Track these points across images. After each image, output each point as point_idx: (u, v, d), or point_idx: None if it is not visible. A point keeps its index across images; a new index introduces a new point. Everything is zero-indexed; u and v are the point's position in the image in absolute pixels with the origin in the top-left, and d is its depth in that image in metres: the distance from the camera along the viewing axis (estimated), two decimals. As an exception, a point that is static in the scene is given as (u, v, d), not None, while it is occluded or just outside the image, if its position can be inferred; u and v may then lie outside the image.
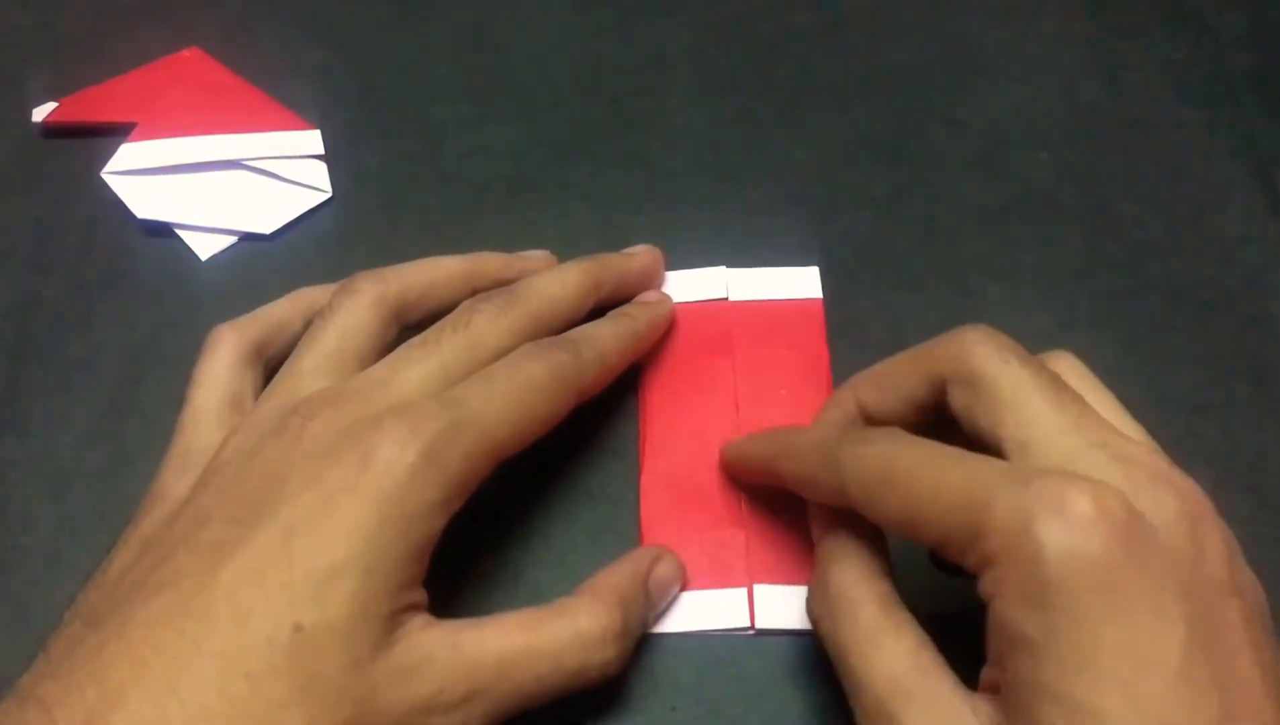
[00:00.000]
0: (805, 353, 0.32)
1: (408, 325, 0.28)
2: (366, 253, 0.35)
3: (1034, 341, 0.25)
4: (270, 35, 0.40)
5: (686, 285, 0.33)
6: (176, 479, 0.26)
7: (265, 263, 0.35)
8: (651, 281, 0.33)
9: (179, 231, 0.36)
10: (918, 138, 0.38)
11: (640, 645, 0.27)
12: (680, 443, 0.30)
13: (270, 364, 0.29)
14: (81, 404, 0.32)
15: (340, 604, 0.21)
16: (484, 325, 0.27)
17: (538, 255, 0.32)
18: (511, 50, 0.40)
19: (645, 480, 0.30)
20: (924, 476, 0.22)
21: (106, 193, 0.36)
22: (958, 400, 0.24)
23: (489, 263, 0.31)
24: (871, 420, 0.26)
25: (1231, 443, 0.32)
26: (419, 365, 0.26)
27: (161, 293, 0.34)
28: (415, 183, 0.37)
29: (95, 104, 0.38)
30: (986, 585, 0.20)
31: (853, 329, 0.33)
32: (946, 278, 0.35)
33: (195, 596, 0.21)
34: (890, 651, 0.22)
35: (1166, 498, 0.21)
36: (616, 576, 0.27)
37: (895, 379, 0.26)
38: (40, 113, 0.37)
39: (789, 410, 0.31)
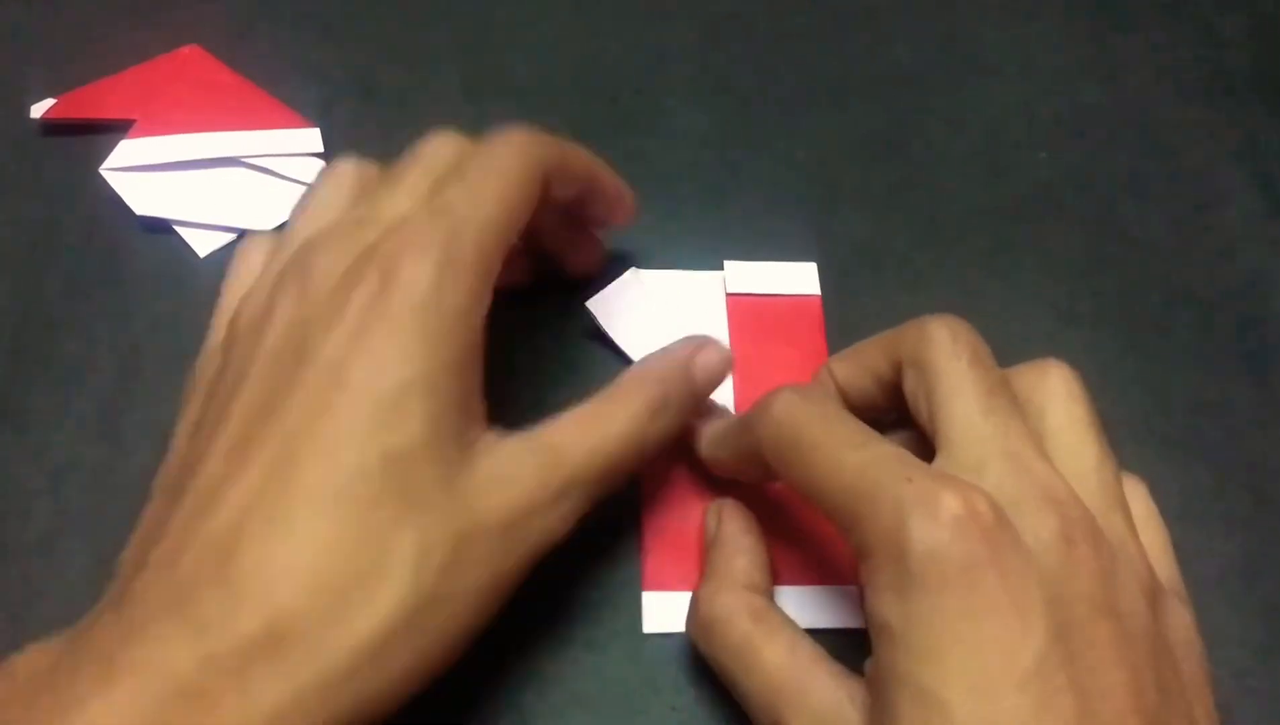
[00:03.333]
0: (804, 351, 0.32)
1: None
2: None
3: (1034, 341, 0.25)
4: (269, 35, 0.40)
5: (686, 287, 0.33)
6: (211, 359, 0.26)
7: (265, 261, 0.35)
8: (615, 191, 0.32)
9: (178, 228, 0.36)
10: (918, 137, 0.38)
11: (641, 645, 0.27)
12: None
13: None
14: (80, 400, 0.32)
15: (415, 424, 0.22)
16: (440, 142, 0.27)
17: None
18: (511, 50, 0.40)
19: (645, 481, 0.30)
20: (826, 454, 0.23)
21: (105, 189, 0.36)
22: (908, 384, 0.25)
23: None
24: (846, 397, 0.27)
25: (1231, 443, 0.32)
26: (394, 189, 0.26)
27: (160, 289, 0.34)
28: (415, 182, 0.37)
29: (93, 100, 0.38)
30: (862, 574, 0.21)
31: (852, 329, 0.33)
32: (946, 277, 0.35)
33: (267, 446, 0.22)
34: (766, 659, 0.24)
35: (1049, 517, 0.21)
36: (656, 361, 0.28)
37: (866, 358, 0.27)
38: (39, 109, 0.37)
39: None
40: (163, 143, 0.36)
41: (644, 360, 0.28)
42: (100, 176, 0.36)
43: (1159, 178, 0.37)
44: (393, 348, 0.22)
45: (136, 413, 0.32)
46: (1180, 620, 0.23)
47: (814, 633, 0.28)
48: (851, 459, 0.22)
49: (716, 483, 0.30)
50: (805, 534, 0.29)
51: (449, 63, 0.40)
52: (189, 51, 0.39)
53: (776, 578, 0.28)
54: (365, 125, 0.38)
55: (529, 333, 0.33)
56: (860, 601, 0.22)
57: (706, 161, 0.37)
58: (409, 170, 0.27)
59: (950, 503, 0.20)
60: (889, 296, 0.34)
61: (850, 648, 0.28)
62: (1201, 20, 0.41)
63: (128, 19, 0.41)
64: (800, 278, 0.34)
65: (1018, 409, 0.23)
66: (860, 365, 0.27)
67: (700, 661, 0.27)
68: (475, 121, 0.38)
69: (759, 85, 0.39)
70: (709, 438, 0.29)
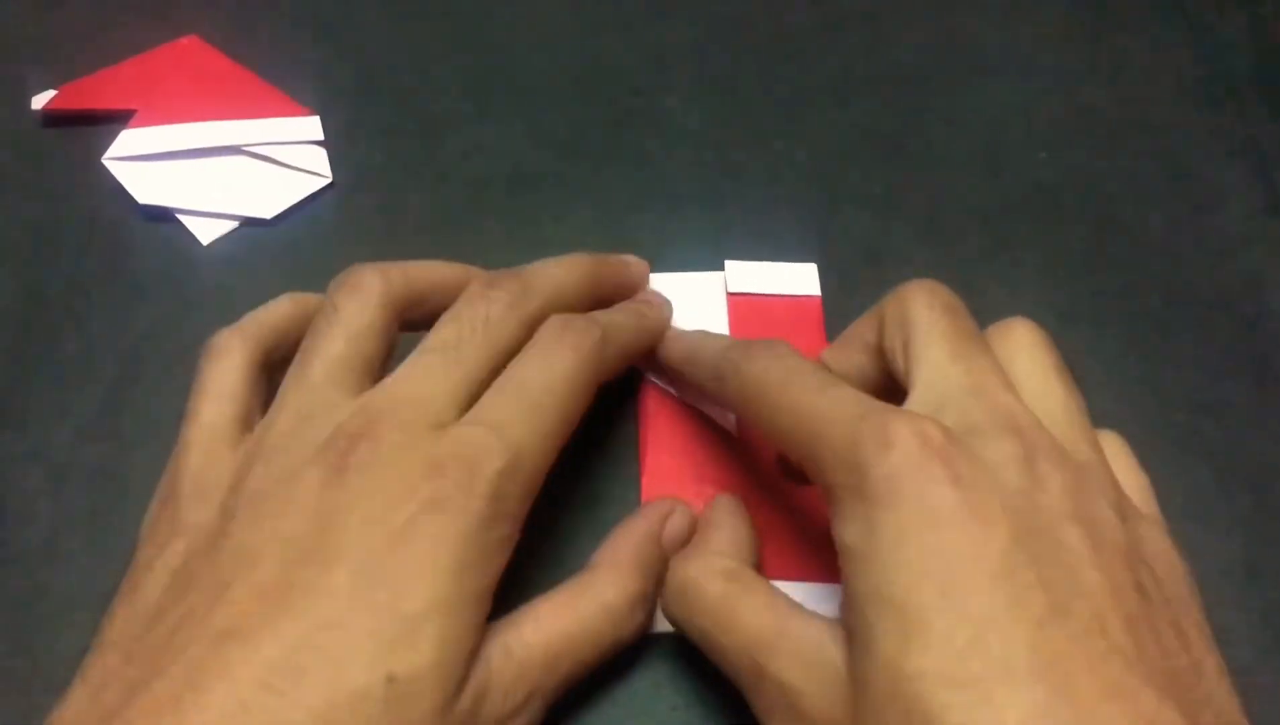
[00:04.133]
0: (804, 351, 0.32)
1: (409, 324, 0.28)
2: (367, 240, 0.35)
3: (1034, 340, 0.25)
4: (269, 29, 0.40)
5: (686, 288, 0.33)
6: (194, 506, 0.24)
7: (266, 247, 0.35)
8: (643, 289, 0.32)
9: (180, 217, 0.36)
10: (918, 137, 0.38)
11: (642, 645, 0.27)
12: (680, 441, 0.30)
13: (274, 371, 0.28)
14: (80, 400, 0.32)
15: (430, 648, 0.21)
16: (500, 322, 0.26)
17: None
18: (511, 49, 0.40)
19: (646, 480, 0.30)
20: (790, 401, 0.23)
21: (107, 179, 0.36)
22: (886, 341, 0.25)
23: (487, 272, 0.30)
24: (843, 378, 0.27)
25: (1231, 443, 0.32)
26: (444, 376, 0.24)
27: (163, 277, 0.34)
28: (415, 179, 0.37)
29: (94, 91, 0.38)
30: (830, 514, 0.22)
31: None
32: (946, 277, 0.35)
33: (273, 645, 0.20)
34: (743, 616, 0.24)
35: (1008, 441, 0.22)
36: (632, 540, 0.27)
37: (854, 334, 0.27)
38: (40, 100, 0.37)
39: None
40: (164, 132, 0.36)
41: (616, 536, 0.27)
42: (102, 166, 0.36)
43: (1159, 178, 0.37)
44: (429, 569, 0.22)
45: (136, 413, 0.32)
46: (1158, 542, 0.23)
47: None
48: (812, 405, 0.23)
49: (717, 483, 0.30)
50: (799, 529, 0.29)
51: (449, 62, 0.40)
52: (188, 42, 0.39)
53: (771, 573, 0.28)
54: (365, 121, 0.38)
55: (529, 332, 0.33)
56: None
57: (706, 161, 0.37)
58: (458, 352, 0.25)
59: (901, 430, 0.21)
60: (889, 296, 0.34)
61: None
62: (1201, 20, 0.41)
63: (127, 11, 0.41)
64: (800, 278, 0.34)
65: (988, 353, 0.24)
66: (849, 343, 0.27)
67: (702, 661, 0.27)
68: (475, 119, 0.38)
69: (759, 85, 0.39)
70: (679, 352, 0.30)
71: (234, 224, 0.36)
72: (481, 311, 0.26)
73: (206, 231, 0.35)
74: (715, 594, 0.24)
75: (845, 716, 0.21)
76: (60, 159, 0.37)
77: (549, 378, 0.25)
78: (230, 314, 0.33)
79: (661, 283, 0.33)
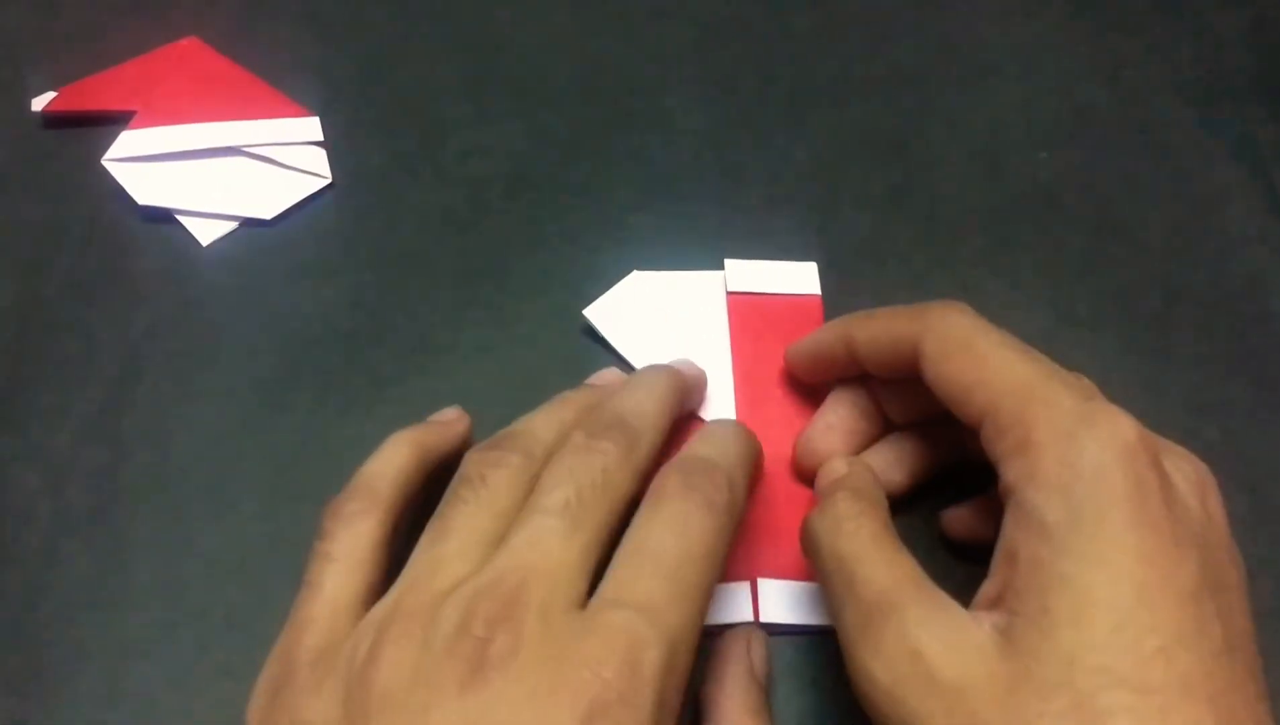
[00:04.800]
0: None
1: None
2: (367, 240, 0.35)
3: (1033, 341, 0.25)
4: (269, 31, 0.41)
5: (686, 287, 0.33)
6: (315, 699, 0.22)
7: (266, 248, 0.35)
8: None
9: (180, 218, 0.36)
10: (918, 137, 0.38)
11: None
12: (680, 439, 0.30)
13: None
14: (80, 400, 0.32)
15: None
16: (617, 478, 0.24)
17: (608, 375, 0.31)
18: (511, 49, 0.40)
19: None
20: (996, 356, 0.24)
21: (107, 180, 0.36)
22: (934, 353, 0.25)
23: (595, 397, 0.29)
24: (857, 355, 0.28)
25: (1231, 443, 0.32)
26: (569, 543, 0.22)
27: (163, 278, 0.35)
28: (415, 179, 0.37)
29: (94, 92, 0.38)
30: (1016, 469, 0.22)
31: None
32: (946, 276, 0.35)
33: None
34: (893, 561, 0.24)
35: (1184, 463, 0.23)
36: (739, 685, 0.25)
37: (885, 323, 0.27)
38: (40, 102, 0.38)
39: (786, 406, 0.31)
40: (163, 133, 0.36)
41: (722, 681, 0.26)
42: (102, 168, 0.36)
43: (1159, 178, 0.37)
44: None
45: (137, 413, 0.32)
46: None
47: (807, 629, 0.28)
48: (1025, 364, 0.23)
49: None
50: (792, 529, 0.29)
51: (449, 61, 0.40)
52: (188, 43, 0.39)
53: (771, 573, 0.28)
54: (365, 122, 0.38)
55: (529, 333, 0.33)
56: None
57: (706, 161, 0.37)
58: (580, 512, 0.23)
59: (1129, 427, 0.22)
60: (889, 296, 0.34)
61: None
62: (1201, 20, 0.41)
63: (128, 13, 0.41)
64: (801, 277, 0.34)
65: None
66: (879, 333, 0.27)
67: (702, 659, 0.27)
68: (476, 119, 0.38)
69: (759, 85, 0.39)
70: (799, 342, 0.30)
71: (234, 224, 0.36)
72: (597, 466, 0.24)
73: (206, 232, 0.35)
74: (872, 533, 0.24)
75: (987, 689, 0.21)
76: (60, 160, 0.37)
77: (686, 545, 0.23)
78: (230, 314, 0.34)
79: (662, 284, 0.34)
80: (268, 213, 0.36)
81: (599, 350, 0.33)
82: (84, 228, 0.36)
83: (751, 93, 0.39)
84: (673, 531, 0.23)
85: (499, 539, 0.23)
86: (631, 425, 0.25)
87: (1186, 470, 0.23)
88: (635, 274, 0.34)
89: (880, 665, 0.22)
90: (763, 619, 0.28)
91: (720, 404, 0.31)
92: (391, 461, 0.26)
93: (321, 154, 0.37)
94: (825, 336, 0.29)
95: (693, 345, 0.32)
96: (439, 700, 0.20)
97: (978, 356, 0.24)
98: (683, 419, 0.30)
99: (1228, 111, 0.39)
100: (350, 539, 0.24)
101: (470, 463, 0.25)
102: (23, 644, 0.28)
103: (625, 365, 0.32)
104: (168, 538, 0.30)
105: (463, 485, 0.24)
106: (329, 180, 0.37)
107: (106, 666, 0.28)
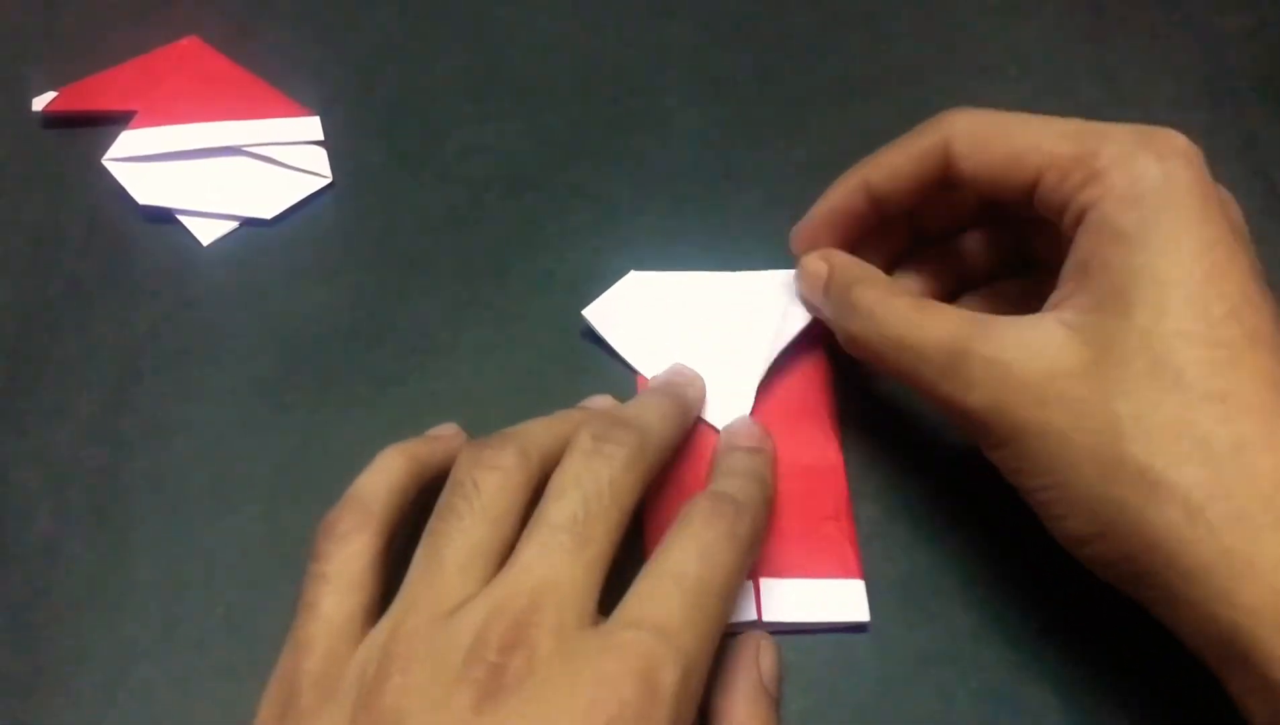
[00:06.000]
0: (803, 351, 0.32)
1: None
2: (367, 240, 0.35)
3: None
4: (269, 30, 0.41)
5: (685, 287, 0.33)
6: (319, 714, 0.22)
7: (267, 248, 0.35)
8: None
9: (180, 217, 0.36)
10: (918, 137, 0.38)
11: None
12: (687, 447, 0.30)
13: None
14: (80, 400, 0.32)
15: None
16: (623, 484, 0.24)
17: (601, 400, 0.31)
18: (511, 49, 0.40)
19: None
20: (1034, 123, 0.26)
21: (108, 180, 0.36)
22: (970, 144, 0.27)
23: (598, 406, 0.30)
24: (878, 196, 0.29)
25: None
26: (578, 558, 0.23)
27: (163, 278, 0.35)
28: (415, 179, 0.37)
29: (94, 92, 0.38)
30: (1087, 195, 0.25)
31: None
32: (946, 277, 0.35)
33: None
34: (938, 315, 0.26)
35: (1221, 188, 0.25)
36: (746, 695, 0.25)
37: (901, 152, 0.28)
38: (40, 102, 0.38)
39: (786, 407, 0.31)
40: (164, 133, 0.37)
41: (727, 690, 0.25)
42: (102, 167, 0.36)
43: (1159, 178, 0.37)
44: None
45: (137, 413, 0.32)
46: None
47: (809, 628, 0.28)
48: (1061, 123, 0.26)
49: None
50: (799, 530, 0.29)
51: (449, 61, 0.40)
52: (188, 43, 0.39)
53: (771, 573, 0.28)
54: (365, 122, 0.38)
55: (529, 333, 0.33)
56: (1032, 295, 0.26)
57: (706, 161, 0.37)
58: (588, 526, 0.23)
59: (1178, 141, 0.24)
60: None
61: (845, 647, 0.28)
62: (1201, 20, 0.41)
63: (128, 12, 0.41)
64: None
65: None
66: (906, 156, 0.28)
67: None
68: (475, 119, 0.38)
69: (759, 85, 0.39)
70: (807, 217, 0.31)
71: (234, 224, 0.36)
72: (604, 474, 0.24)
73: (206, 232, 0.35)
74: (906, 304, 0.27)
75: (1073, 374, 0.23)
76: (61, 160, 0.37)
77: (708, 572, 0.23)
78: (230, 314, 0.34)
79: (660, 284, 0.33)
80: (268, 212, 0.36)
81: (598, 350, 0.33)
82: (84, 228, 0.36)
83: (751, 93, 0.39)
84: (695, 557, 0.23)
85: (498, 548, 0.23)
86: (637, 429, 0.25)
87: (1221, 191, 0.25)
88: (633, 274, 0.34)
89: (974, 396, 0.25)
90: (765, 618, 0.28)
91: (731, 404, 0.31)
92: (385, 476, 0.26)
93: (321, 154, 0.37)
94: (838, 192, 0.30)
95: (692, 345, 0.32)
96: (453, 723, 0.20)
97: (1016, 130, 0.26)
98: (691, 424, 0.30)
99: (1228, 112, 0.39)
100: (344, 558, 0.24)
101: (461, 466, 0.25)
102: (23, 644, 0.28)
103: (624, 365, 0.32)
104: (168, 538, 0.30)
105: (455, 494, 0.24)
106: (329, 180, 0.37)
107: (106, 666, 0.28)
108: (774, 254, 0.34)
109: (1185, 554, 0.21)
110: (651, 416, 0.27)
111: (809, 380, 0.32)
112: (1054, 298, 0.25)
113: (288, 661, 0.23)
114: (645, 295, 0.33)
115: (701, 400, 0.31)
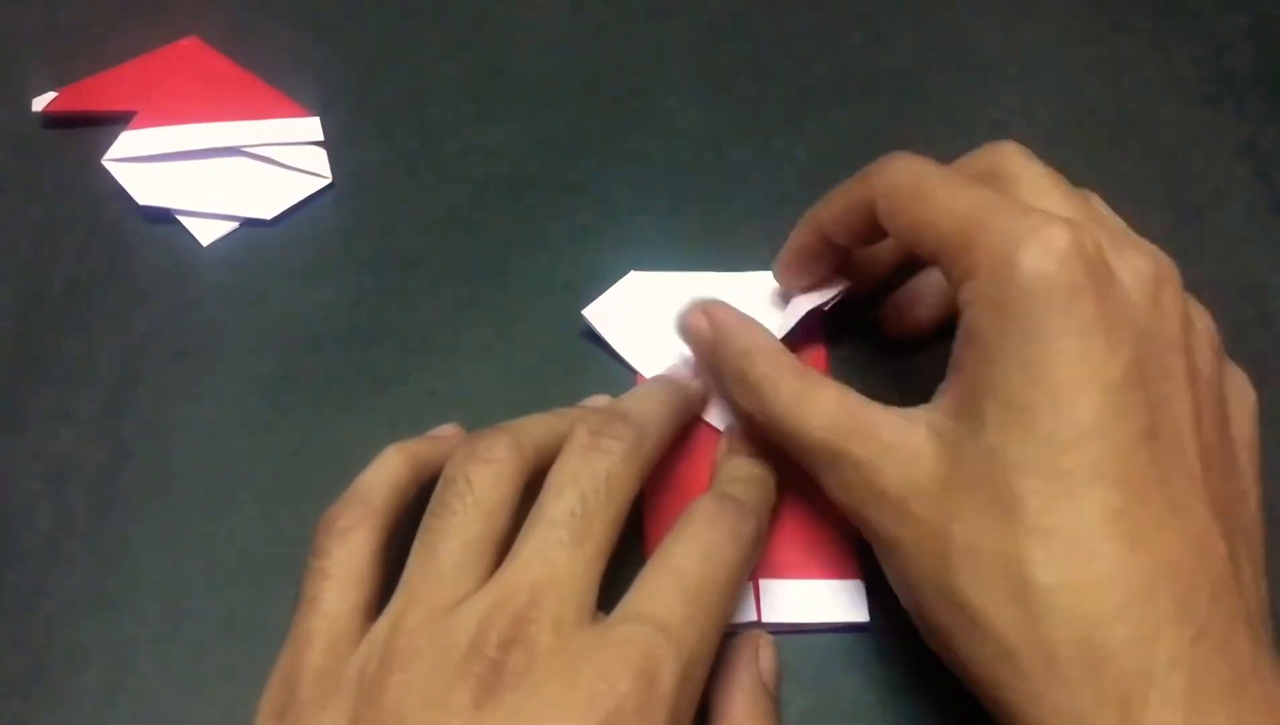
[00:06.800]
0: (803, 351, 0.32)
1: None
2: (367, 240, 0.35)
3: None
4: (269, 31, 0.40)
5: (685, 288, 0.33)
6: (320, 709, 0.22)
7: (266, 248, 0.35)
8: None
9: (180, 218, 0.36)
10: (918, 138, 0.38)
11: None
12: (680, 440, 0.30)
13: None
14: (80, 400, 0.32)
15: None
16: (621, 478, 0.24)
17: (600, 400, 0.31)
18: (511, 49, 0.40)
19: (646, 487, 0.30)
20: (939, 194, 0.25)
21: (107, 180, 0.36)
22: (885, 207, 0.26)
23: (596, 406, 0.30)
24: (826, 235, 0.29)
25: (1231, 443, 0.32)
26: (577, 553, 0.23)
27: (163, 278, 0.35)
28: (415, 179, 0.37)
29: (94, 93, 0.38)
30: (963, 294, 0.24)
31: (853, 328, 0.33)
32: (946, 277, 0.35)
33: None
34: (818, 405, 0.25)
35: (1140, 259, 0.24)
36: (747, 695, 0.25)
37: (840, 197, 0.28)
38: (40, 102, 0.38)
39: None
40: (164, 133, 0.36)
41: (728, 689, 0.25)
42: (102, 168, 0.36)
43: (1159, 178, 0.37)
44: None
45: (137, 414, 0.32)
46: (1242, 386, 0.26)
47: (806, 628, 0.28)
48: (967, 195, 0.24)
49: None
50: (798, 530, 0.29)
51: (449, 61, 0.40)
52: (188, 43, 0.39)
53: (771, 574, 0.28)
54: (365, 122, 0.38)
55: (528, 333, 0.33)
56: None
57: (706, 162, 0.37)
58: (586, 520, 0.23)
59: (1061, 235, 0.22)
60: (890, 295, 0.34)
61: (844, 648, 0.28)
62: (1201, 20, 0.41)
63: (128, 13, 0.41)
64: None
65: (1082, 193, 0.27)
66: (839, 205, 0.28)
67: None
68: (475, 120, 0.38)
69: (759, 85, 0.39)
70: (782, 252, 0.31)
71: (234, 225, 0.36)
72: (601, 469, 0.24)
73: (206, 232, 0.35)
74: (790, 387, 0.26)
75: (925, 492, 0.23)
76: (60, 160, 0.37)
77: (710, 569, 0.23)
78: (230, 314, 0.34)
79: (660, 284, 0.34)
80: (268, 213, 0.36)
81: (598, 350, 0.33)
82: (84, 228, 0.36)
83: (751, 93, 0.39)
84: (698, 555, 0.23)
85: (493, 542, 0.23)
86: (635, 422, 0.25)
87: (1139, 265, 0.23)
88: (633, 274, 0.34)
89: (847, 497, 0.25)
90: (765, 619, 0.28)
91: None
92: (386, 474, 0.26)
93: (321, 154, 0.37)
94: (798, 233, 0.30)
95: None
96: (452, 719, 0.20)
97: (925, 198, 0.25)
98: (691, 424, 0.30)
99: (1228, 111, 0.39)
100: (345, 554, 0.24)
101: (455, 462, 0.25)
102: (23, 644, 0.28)
103: (624, 365, 0.32)
104: (168, 538, 0.30)
105: (447, 491, 0.24)
106: (329, 180, 0.37)
107: (106, 666, 0.28)
108: (774, 254, 0.34)
109: (1000, 695, 0.21)
110: (649, 407, 0.27)
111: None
112: (940, 387, 0.25)
113: (288, 657, 0.23)
114: (645, 295, 0.33)
115: (702, 395, 0.31)
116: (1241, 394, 0.26)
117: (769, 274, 0.33)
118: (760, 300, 0.33)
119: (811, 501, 0.29)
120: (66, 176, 0.37)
